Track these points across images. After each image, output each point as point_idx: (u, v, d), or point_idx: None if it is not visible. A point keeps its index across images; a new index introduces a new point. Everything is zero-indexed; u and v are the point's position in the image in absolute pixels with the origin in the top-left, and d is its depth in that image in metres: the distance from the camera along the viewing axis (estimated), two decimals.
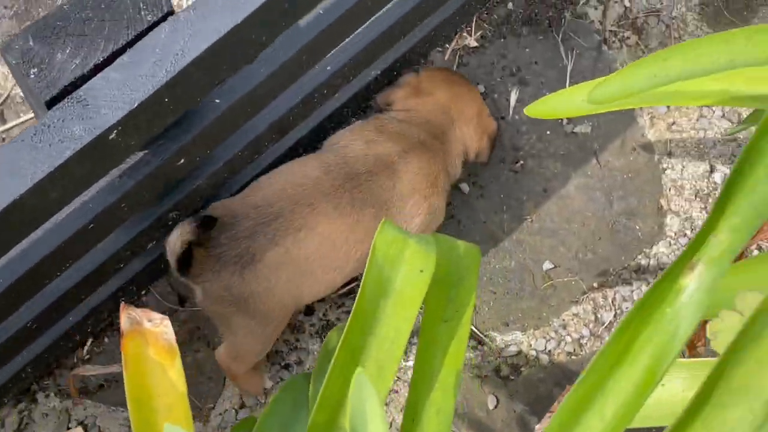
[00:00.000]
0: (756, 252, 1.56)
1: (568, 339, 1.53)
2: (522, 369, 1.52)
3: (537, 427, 1.32)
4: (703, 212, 1.58)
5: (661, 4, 1.68)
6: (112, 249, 1.26)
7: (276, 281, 1.30)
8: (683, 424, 0.54)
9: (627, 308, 1.54)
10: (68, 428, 1.46)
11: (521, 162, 1.60)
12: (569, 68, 1.64)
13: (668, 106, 1.63)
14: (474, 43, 1.64)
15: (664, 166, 1.61)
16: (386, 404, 1.50)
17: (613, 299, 1.55)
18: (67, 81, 0.97)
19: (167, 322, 1.05)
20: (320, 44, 1.21)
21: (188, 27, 0.99)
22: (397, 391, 1.51)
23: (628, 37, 1.66)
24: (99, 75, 0.97)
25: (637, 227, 1.58)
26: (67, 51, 0.98)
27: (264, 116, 1.31)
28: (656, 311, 0.66)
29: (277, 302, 1.32)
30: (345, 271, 1.37)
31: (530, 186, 1.59)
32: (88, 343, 1.48)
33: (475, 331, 1.53)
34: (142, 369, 1.01)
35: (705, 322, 1.04)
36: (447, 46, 1.63)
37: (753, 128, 1.27)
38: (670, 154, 1.61)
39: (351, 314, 0.91)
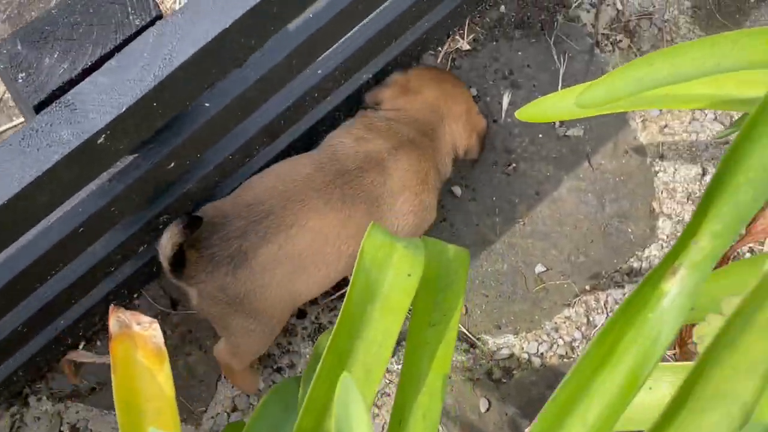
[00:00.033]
0: (748, 255, 1.56)
1: (560, 342, 1.53)
2: (514, 372, 1.52)
3: (526, 431, 1.32)
4: None
5: (654, 7, 1.68)
6: (103, 252, 1.26)
7: (270, 279, 1.31)
8: (659, 429, 0.54)
9: None
10: (60, 431, 1.46)
11: (513, 165, 1.60)
12: (561, 71, 1.64)
13: (660, 109, 1.63)
14: (466, 46, 1.64)
15: (656, 169, 1.61)
16: (378, 407, 1.50)
17: (605, 302, 1.55)
18: (55, 85, 0.97)
19: (156, 325, 1.05)
20: (310, 48, 1.21)
21: (176, 31, 0.99)
22: (389, 395, 1.51)
23: (620, 40, 1.66)
24: (87, 79, 0.97)
25: (629, 230, 1.59)
26: (56, 55, 0.98)
27: (255, 120, 1.31)
28: (639, 316, 0.66)
29: (273, 300, 1.33)
30: (338, 267, 1.37)
31: (522, 189, 1.59)
32: (81, 347, 1.48)
33: (467, 334, 1.53)
34: (130, 372, 1.01)
35: (693, 325, 1.05)
36: (439, 49, 1.63)
37: None
38: (662, 157, 1.61)
39: (338, 318, 0.91)
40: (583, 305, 1.55)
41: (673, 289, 0.65)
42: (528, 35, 1.65)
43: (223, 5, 1.00)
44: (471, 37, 1.65)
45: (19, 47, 0.97)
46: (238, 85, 1.16)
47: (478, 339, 1.53)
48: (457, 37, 1.64)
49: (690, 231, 0.66)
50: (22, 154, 0.94)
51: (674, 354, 1.31)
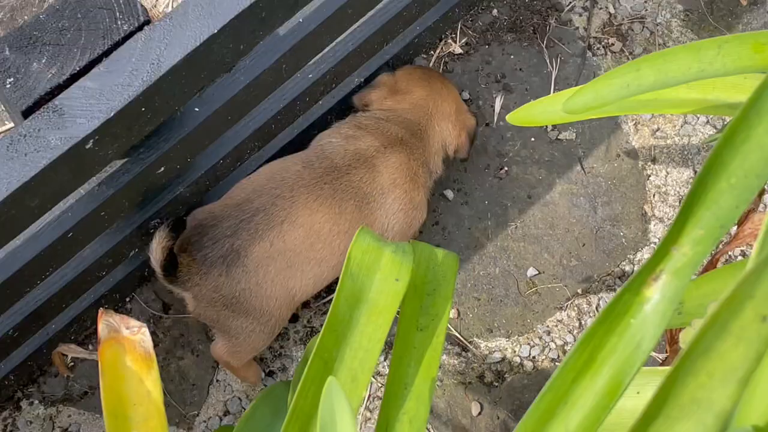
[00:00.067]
0: (740, 258, 1.56)
1: (553, 345, 1.54)
2: (506, 375, 1.52)
3: None
4: None
5: (646, 10, 1.68)
6: (93, 257, 1.26)
7: (264, 275, 1.31)
8: None
9: None
10: None
11: (506, 168, 1.60)
12: (554, 75, 1.64)
13: (651, 113, 1.63)
14: (459, 50, 1.64)
15: (648, 172, 1.61)
16: (371, 411, 1.50)
17: (598, 305, 1.55)
18: (43, 90, 0.98)
19: (145, 330, 1.05)
20: (300, 53, 1.21)
21: (164, 36, 0.99)
22: (381, 399, 1.51)
23: (612, 44, 1.66)
24: (75, 84, 0.97)
25: (621, 233, 1.59)
26: (44, 60, 0.98)
27: (245, 124, 1.31)
28: (621, 322, 0.66)
29: (269, 297, 1.33)
30: (332, 263, 1.37)
31: (515, 192, 1.60)
32: None
33: (459, 337, 1.53)
34: (118, 376, 1.01)
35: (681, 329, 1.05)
36: (432, 52, 1.64)
37: None
38: (654, 161, 1.61)
39: (325, 323, 0.91)
40: (575, 309, 1.55)
41: (655, 295, 0.65)
42: (520, 39, 1.66)
43: (211, 10, 1.00)
44: (463, 40, 1.65)
45: (7, 52, 0.98)
46: (228, 89, 1.17)
47: (470, 342, 1.53)
48: (450, 40, 1.64)
49: (671, 237, 0.66)
50: (10, 160, 0.94)
51: (666, 359, 1.31)
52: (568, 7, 1.67)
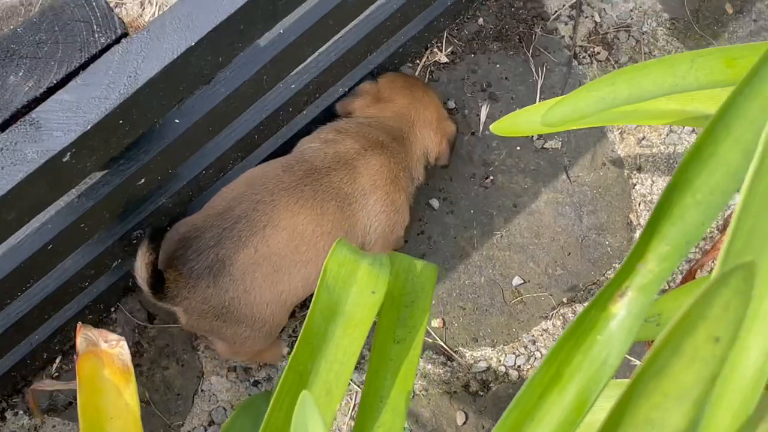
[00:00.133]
0: None
1: (538, 354, 1.53)
2: (491, 385, 1.52)
3: None
4: None
5: (632, 19, 1.68)
6: (75, 268, 1.26)
7: (252, 282, 1.31)
8: None
9: None
10: None
11: (491, 177, 1.60)
12: (539, 84, 1.64)
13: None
14: (444, 59, 1.65)
15: (634, 181, 1.61)
16: (354, 419, 1.50)
17: None
18: (20, 104, 0.98)
19: (123, 343, 1.05)
20: (281, 64, 1.21)
21: (142, 49, 0.99)
22: None
23: (598, 53, 1.67)
24: (52, 97, 0.97)
25: (607, 242, 1.59)
26: (20, 74, 0.98)
27: (228, 135, 1.31)
28: (587, 338, 0.66)
29: (259, 303, 1.33)
30: (318, 264, 1.37)
31: (500, 201, 1.60)
32: (57, 361, 1.48)
33: (445, 347, 1.53)
34: (96, 389, 1.01)
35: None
36: (417, 61, 1.64)
37: None
38: (639, 169, 1.62)
39: (299, 336, 0.91)
40: (561, 318, 1.55)
41: (621, 311, 0.66)
42: (506, 48, 1.66)
43: (188, 23, 1.00)
44: (449, 49, 1.65)
45: None
46: (208, 101, 1.17)
47: (455, 352, 1.53)
48: (435, 49, 1.65)
49: (637, 253, 0.66)
50: None
51: None
52: (553, 16, 1.67)
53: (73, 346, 1.49)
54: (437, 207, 1.59)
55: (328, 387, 0.88)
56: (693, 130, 1.63)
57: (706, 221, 0.66)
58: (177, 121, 1.15)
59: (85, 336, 1.06)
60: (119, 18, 1.01)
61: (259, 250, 1.30)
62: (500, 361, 1.53)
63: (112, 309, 1.50)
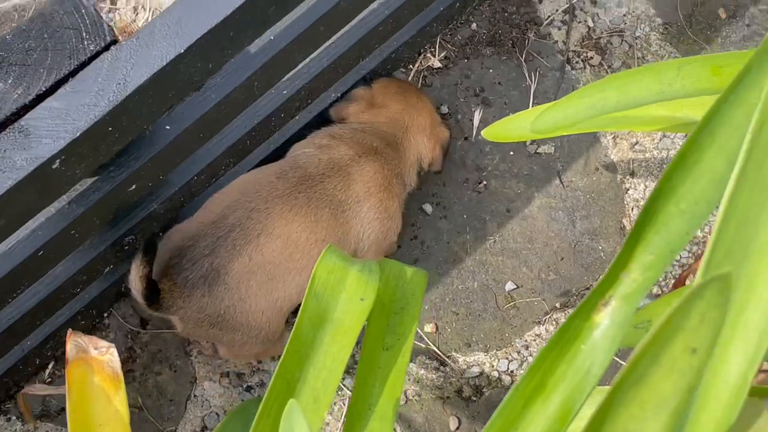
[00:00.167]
0: None
1: (531, 360, 1.53)
2: (484, 390, 1.52)
3: None
4: None
5: (625, 24, 1.69)
6: (66, 274, 1.26)
7: (247, 290, 1.31)
8: None
9: None
10: None
11: (484, 182, 1.60)
12: (532, 89, 1.64)
13: None
14: (438, 64, 1.65)
15: (627, 186, 1.61)
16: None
17: None
18: (9, 111, 0.97)
19: (113, 350, 1.05)
20: (272, 70, 1.21)
21: (131, 56, 0.99)
22: None
23: (591, 57, 1.67)
24: (41, 105, 0.97)
25: (600, 247, 1.59)
26: (9, 81, 0.98)
27: (219, 141, 1.31)
28: (571, 347, 0.66)
29: (255, 311, 1.33)
30: (312, 272, 1.37)
31: (493, 206, 1.60)
32: (50, 367, 1.48)
33: (438, 352, 1.53)
34: (86, 396, 1.01)
35: None
36: (411, 66, 1.64)
37: None
38: (632, 174, 1.62)
39: (287, 343, 0.91)
40: (554, 323, 1.55)
41: (605, 321, 0.65)
42: (499, 53, 1.66)
43: (178, 30, 1.00)
44: (442, 54, 1.65)
45: None
46: (199, 107, 1.17)
47: (448, 357, 1.53)
48: (429, 54, 1.65)
49: (621, 262, 0.66)
50: None
51: None
52: (547, 21, 1.68)
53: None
54: (430, 212, 1.59)
55: (316, 394, 0.88)
56: (686, 136, 1.63)
57: (690, 230, 0.66)
58: (167, 127, 1.15)
59: (75, 343, 1.06)
60: (108, 25, 1.01)
61: (253, 259, 1.30)
62: (493, 366, 1.53)
63: (105, 314, 1.50)
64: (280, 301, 1.35)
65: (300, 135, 1.48)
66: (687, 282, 1.08)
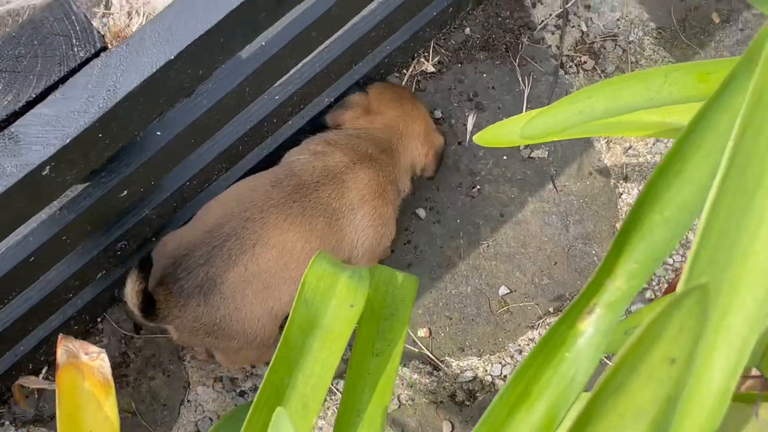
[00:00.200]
0: None
1: None
2: (478, 394, 1.52)
3: None
4: None
5: (618, 28, 1.69)
6: (59, 280, 1.26)
7: (242, 299, 1.31)
8: None
9: None
10: None
11: (478, 187, 1.60)
12: (526, 93, 1.65)
13: None
14: (431, 69, 1.65)
15: (621, 190, 1.61)
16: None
17: None
18: None
19: (104, 355, 1.05)
20: (264, 76, 1.21)
21: (121, 63, 0.99)
22: None
23: (584, 62, 1.67)
24: (31, 112, 0.97)
25: (593, 252, 1.59)
26: None
27: (211, 146, 1.31)
28: (556, 355, 0.66)
29: (250, 319, 1.33)
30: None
31: (487, 211, 1.60)
32: (43, 372, 1.48)
33: (431, 356, 1.53)
34: (76, 402, 1.01)
35: None
36: (404, 71, 1.64)
37: None
38: (626, 179, 1.62)
39: (277, 350, 0.91)
40: (547, 327, 1.55)
41: (589, 329, 0.66)
42: (493, 57, 1.66)
43: (168, 36, 1.00)
44: (436, 59, 1.65)
45: None
46: (190, 113, 1.17)
47: (441, 361, 1.53)
48: (422, 59, 1.65)
49: (605, 269, 0.66)
50: None
51: None
52: (540, 26, 1.68)
53: None
54: (424, 217, 1.59)
55: (305, 401, 0.88)
56: None
57: (674, 238, 0.66)
58: (159, 133, 1.15)
59: (66, 348, 1.06)
60: (98, 31, 1.01)
61: (249, 268, 1.30)
62: (486, 370, 1.53)
63: (99, 319, 1.50)
64: (275, 309, 1.35)
65: (293, 140, 1.48)
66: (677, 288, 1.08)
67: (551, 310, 1.56)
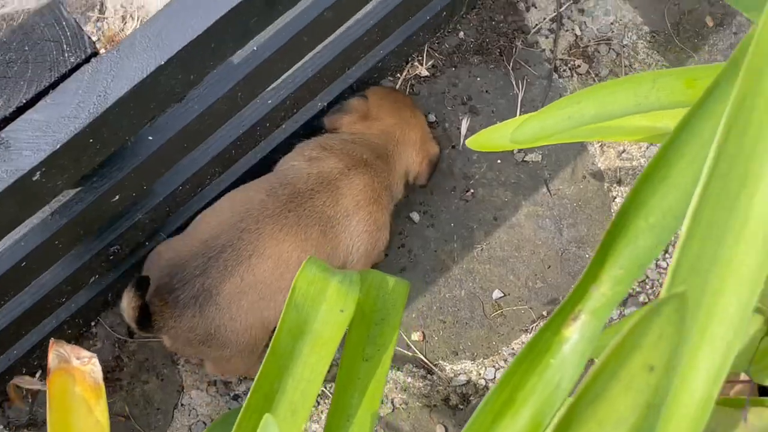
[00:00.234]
0: None
1: None
2: (471, 398, 1.52)
3: None
4: None
5: (612, 32, 1.69)
6: (52, 284, 1.27)
7: (237, 310, 1.31)
8: None
9: None
10: None
11: (472, 191, 1.61)
12: (520, 97, 1.65)
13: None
14: (425, 73, 1.65)
15: (614, 194, 1.61)
16: None
17: None
18: None
19: (95, 360, 1.05)
20: (256, 81, 1.22)
21: (111, 68, 0.99)
22: None
23: (578, 66, 1.67)
24: (21, 117, 0.97)
25: (587, 255, 1.59)
26: None
27: (204, 151, 1.31)
28: (541, 361, 0.66)
29: (244, 329, 1.33)
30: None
31: (481, 215, 1.60)
32: (37, 376, 1.48)
33: (425, 360, 1.53)
34: (66, 407, 1.01)
35: None
36: (398, 75, 1.64)
37: None
38: (619, 182, 1.62)
39: (266, 355, 0.91)
40: None
41: (574, 335, 0.66)
42: (487, 61, 1.66)
43: (158, 42, 1.00)
44: (430, 63, 1.65)
45: None
46: (182, 118, 1.17)
47: (435, 365, 1.53)
48: (416, 63, 1.65)
49: (590, 275, 0.66)
50: None
51: None
52: (534, 30, 1.68)
53: None
54: (418, 220, 1.59)
55: (294, 407, 0.89)
56: None
57: (659, 245, 0.66)
58: (150, 138, 1.16)
59: (57, 352, 1.06)
60: (89, 37, 1.01)
61: (245, 279, 1.30)
62: (480, 374, 1.53)
63: (92, 323, 1.50)
64: (269, 320, 1.36)
65: (287, 144, 1.48)
66: None
67: (545, 313, 1.56)
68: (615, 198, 1.61)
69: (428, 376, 1.53)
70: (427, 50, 1.65)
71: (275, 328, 1.36)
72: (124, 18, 1.66)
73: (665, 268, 1.58)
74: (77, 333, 1.47)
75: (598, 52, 1.68)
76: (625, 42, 1.69)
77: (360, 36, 1.39)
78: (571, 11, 1.70)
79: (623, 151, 1.63)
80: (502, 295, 1.57)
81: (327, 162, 1.39)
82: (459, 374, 1.53)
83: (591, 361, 0.66)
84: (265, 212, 1.33)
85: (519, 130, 0.99)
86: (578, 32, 1.69)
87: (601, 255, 0.67)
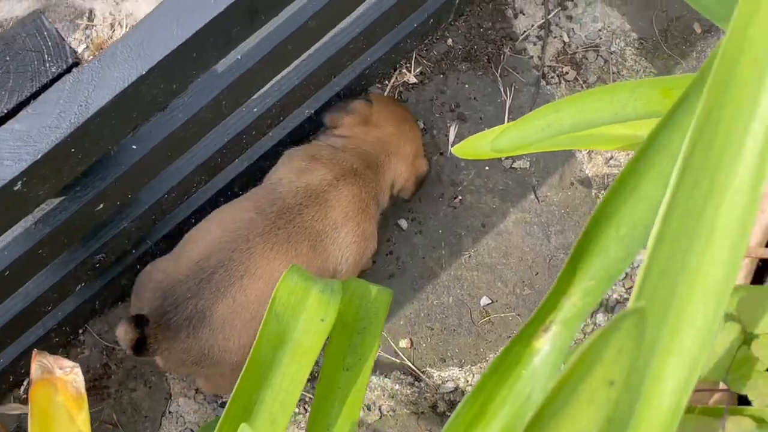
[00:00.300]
0: None
1: None
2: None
3: None
4: None
5: (600, 39, 1.69)
6: (37, 292, 1.27)
7: (230, 330, 1.31)
8: None
9: None
10: None
11: (460, 198, 1.61)
12: (508, 104, 1.65)
13: None
14: (413, 80, 1.65)
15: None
16: None
17: None
18: None
19: (78, 369, 1.05)
20: (240, 89, 1.22)
21: (93, 78, 1.00)
22: None
23: (566, 73, 1.67)
24: (2, 127, 0.97)
25: None
26: None
27: (189, 159, 1.31)
28: (512, 373, 0.67)
29: (237, 348, 1.33)
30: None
31: (469, 221, 1.60)
32: (24, 384, 1.48)
33: (412, 367, 1.53)
34: (48, 416, 1.01)
35: None
36: (386, 82, 1.64)
37: None
38: (607, 189, 1.62)
39: (245, 366, 0.91)
40: None
41: (545, 346, 0.66)
42: (475, 68, 1.67)
43: (140, 51, 1.00)
44: (418, 70, 1.66)
45: None
46: (165, 127, 1.17)
47: (423, 372, 1.53)
48: (404, 70, 1.65)
49: (560, 287, 0.67)
50: None
51: None
52: (522, 36, 1.68)
53: None
54: (405, 227, 1.59)
55: (273, 417, 0.89)
56: None
57: (629, 256, 0.66)
58: (134, 147, 1.16)
59: (40, 363, 1.06)
60: (71, 47, 1.02)
61: (237, 300, 1.30)
62: (468, 381, 1.53)
63: (80, 331, 1.51)
64: None
65: (274, 151, 1.48)
66: None
67: None
68: None
69: (416, 383, 1.53)
70: (415, 57, 1.66)
71: None
72: (112, 25, 1.67)
73: None
74: (65, 341, 1.47)
75: (586, 58, 1.68)
76: (613, 49, 1.69)
77: (346, 44, 1.40)
78: (559, 18, 1.70)
79: (611, 158, 1.63)
80: (490, 301, 1.57)
81: (315, 174, 1.39)
82: (447, 381, 1.53)
83: None
84: (254, 231, 1.33)
85: (499, 139, 1.00)
86: (566, 39, 1.69)
87: (571, 266, 0.67)
